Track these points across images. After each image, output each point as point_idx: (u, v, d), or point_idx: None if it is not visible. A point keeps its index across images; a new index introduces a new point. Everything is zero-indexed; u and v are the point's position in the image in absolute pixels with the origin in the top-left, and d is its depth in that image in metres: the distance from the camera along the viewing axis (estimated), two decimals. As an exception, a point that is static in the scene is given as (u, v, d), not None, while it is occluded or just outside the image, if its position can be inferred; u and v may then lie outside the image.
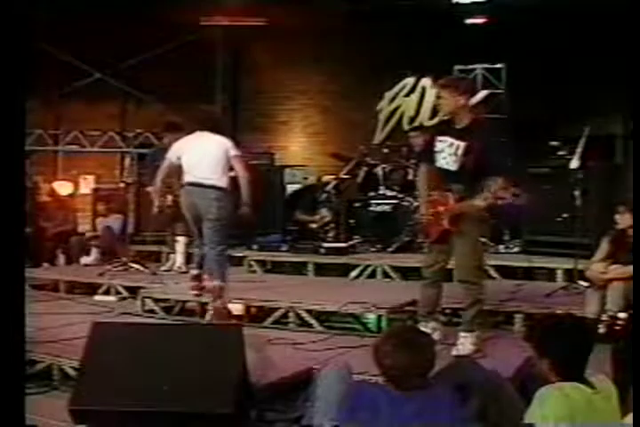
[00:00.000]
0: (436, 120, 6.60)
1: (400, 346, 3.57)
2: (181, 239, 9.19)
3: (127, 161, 10.72)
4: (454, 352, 5.61)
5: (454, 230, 5.74)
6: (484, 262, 6.07)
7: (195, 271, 7.55)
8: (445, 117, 6.01)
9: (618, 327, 5.58)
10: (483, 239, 8.79)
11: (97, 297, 8.54)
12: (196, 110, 8.23)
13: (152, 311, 7.62)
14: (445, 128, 5.89)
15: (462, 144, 5.64)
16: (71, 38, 13.13)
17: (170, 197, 9.01)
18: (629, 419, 3.63)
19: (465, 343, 5.71)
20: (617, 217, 6.27)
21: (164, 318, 7.44)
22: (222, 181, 7.19)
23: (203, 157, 7.26)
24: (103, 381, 4.70)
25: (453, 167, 5.71)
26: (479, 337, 5.83)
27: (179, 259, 9.27)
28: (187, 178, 7.31)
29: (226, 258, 7.39)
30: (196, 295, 7.39)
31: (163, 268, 9.38)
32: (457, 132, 5.72)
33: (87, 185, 13.37)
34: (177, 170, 7.56)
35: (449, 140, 5.74)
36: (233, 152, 7.29)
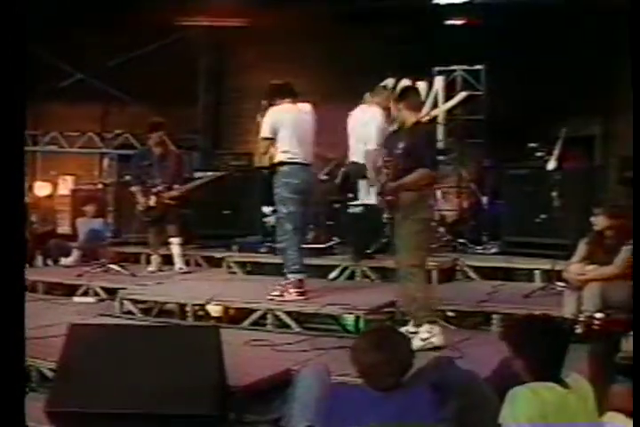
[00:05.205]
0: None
1: (374, 345, 3.61)
2: (175, 240, 9.16)
3: (106, 162, 10.67)
4: None
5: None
6: (420, 262, 6.04)
7: (303, 275, 7.32)
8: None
9: (595, 327, 5.61)
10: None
11: (76, 298, 8.50)
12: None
13: (130, 313, 7.60)
14: None
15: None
16: (52, 38, 13.08)
17: (153, 198, 8.99)
18: (607, 418, 3.66)
19: (413, 338, 5.66)
20: (593, 219, 6.30)
21: (142, 320, 7.41)
22: None
23: None
24: (80, 382, 4.69)
25: None
26: (432, 330, 5.90)
27: (178, 260, 9.18)
28: None
29: None
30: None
31: (149, 269, 9.29)
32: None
33: (66, 186, 13.31)
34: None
35: None
36: None
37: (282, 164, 7.17)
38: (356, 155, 8.62)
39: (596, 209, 6.29)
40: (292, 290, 7.13)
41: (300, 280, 7.20)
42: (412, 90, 6.85)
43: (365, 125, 8.49)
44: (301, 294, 7.15)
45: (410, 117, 6.21)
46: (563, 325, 4.81)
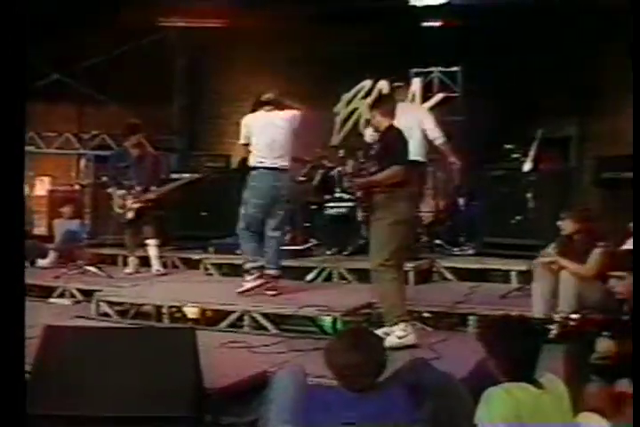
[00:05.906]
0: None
1: (348, 346, 3.62)
2: (152, 242, 9.14)
3: (83, 163, 10.60)
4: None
5: None
6: (394, 262, 6.12)
7: (257, 264, 7.55)
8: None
9: (570, 328, 5.64)
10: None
11: (52, 300, 8.47)
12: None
13: (107, 315, 7.57)
14: None
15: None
16: (28, 38, 12.98)
17: (130, 200, 8.97)
18: (581, 418, 3.68)
19: (389, 338, 5.82)
20: (560, 224, 6.36)
21: (118, 322, 7.39)
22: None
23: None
24: (55, 385, 4.67)
25: None
26: (407, 328, 6.03)
27: (155, 262, 9.17)
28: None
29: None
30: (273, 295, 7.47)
31: (127, 270, 9.27)
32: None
33: (43, 187, 13.23)
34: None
35: None
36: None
37: (252, 168, 7.51)
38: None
39: (562, 214, 6.37)
40: (248, 277, 7.50)
41: (257, 268, 7.49)
42: (386, 97, 7.08)
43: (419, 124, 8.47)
44: (259, 277, 7.46)
45: (383, 122, 6.36)
46: (536, 325, 4.84)
